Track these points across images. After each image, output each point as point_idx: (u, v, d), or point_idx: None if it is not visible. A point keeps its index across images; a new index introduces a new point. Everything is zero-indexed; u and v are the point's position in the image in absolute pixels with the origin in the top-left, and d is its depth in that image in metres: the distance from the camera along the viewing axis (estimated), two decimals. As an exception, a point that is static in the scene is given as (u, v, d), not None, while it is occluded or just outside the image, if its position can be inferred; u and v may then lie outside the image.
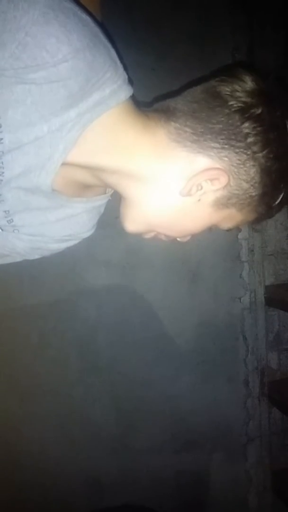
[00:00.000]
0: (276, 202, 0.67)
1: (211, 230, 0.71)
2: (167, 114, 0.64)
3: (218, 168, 0.62)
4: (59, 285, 1.60)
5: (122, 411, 1.69)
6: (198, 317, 1.75)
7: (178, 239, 0.72)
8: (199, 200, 0.64)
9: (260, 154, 0.61)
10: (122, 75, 0.60)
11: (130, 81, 0.63)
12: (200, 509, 1.84)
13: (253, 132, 0.60)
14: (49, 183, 0.63)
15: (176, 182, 0.63)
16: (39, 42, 0.52)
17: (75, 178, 0.67)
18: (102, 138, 0.61)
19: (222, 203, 0.65)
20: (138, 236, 0.73)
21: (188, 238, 0.73)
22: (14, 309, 1.57)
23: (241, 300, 1.82)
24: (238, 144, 0.61)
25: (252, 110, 0.60)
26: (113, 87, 0.59)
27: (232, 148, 0.61)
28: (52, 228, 0.73)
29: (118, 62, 0.60)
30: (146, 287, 1.69)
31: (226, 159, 0.61)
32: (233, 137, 0.61)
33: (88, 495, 1.68)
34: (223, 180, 0.62)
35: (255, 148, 0.61)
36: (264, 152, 0.61)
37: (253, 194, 0.64)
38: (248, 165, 0.62)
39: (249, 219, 0.69)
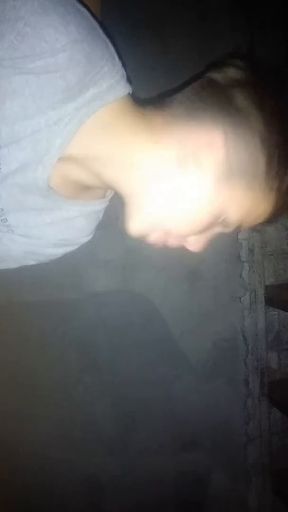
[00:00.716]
0: (285, 184, 0.62)
1: (221, 224, 0.65)
2: (164, 106, 0.64)
3: (212, 134, 0.60)
4: (59, 285, 1.60)
5: (122, 411, 1.69)
6: (198, 317, 1.75)
7: (190, 245, 0.67)
8: (199, 176, 0.61)
9: (257, 126, 0.59)
10: (120, 70, 0.60)
11: (129, 80, 0.63)
12: (200, 509, 1.84)
13: (248, 103, 0.60)
14: (46, 178, 0.62)
15: (174, 163, 0.61)
16: (37, 32, 0.53)
17: (73, 177, 0.66)
18: (100, 133, 0.61)
19: (224, 178, 0.60)
20: (143, 240, 0.68)
21: (200, 244, 0.68)
22: (14, 309, 1.57)
23: (241, 300, 1.82)
24: (234, 118, 0.60)
25: (245, 84, 0.61)
26: (110, 82, 0.59)
27: (228, 121, 0.59)
28: (48, 230, 0.71)
29: (116, 57, 0.60)
30: (146, 287, 1.69)
31: (222, 132, 0.59)
32: (228, 111, 0.60)
33: (88, 495, 1.68)
34: (219, 144, 0.59)
35: (251, 119, 0.59)
36: (261, 123, 0.59)
37: (257, 170, 0.60)
38: (246, 138, 0.59)
39: (259, 209, 0.63)
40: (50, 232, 0.72)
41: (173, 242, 0.67)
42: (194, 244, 0.68)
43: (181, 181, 0.62)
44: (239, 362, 1.83)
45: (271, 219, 0.67)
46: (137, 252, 1.65)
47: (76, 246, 0.77)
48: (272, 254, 1.85)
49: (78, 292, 1.62)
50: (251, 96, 0.60)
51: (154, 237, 0.66)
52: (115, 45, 0.61)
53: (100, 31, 0.58)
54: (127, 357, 1.68)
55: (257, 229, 1.79)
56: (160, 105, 0.64)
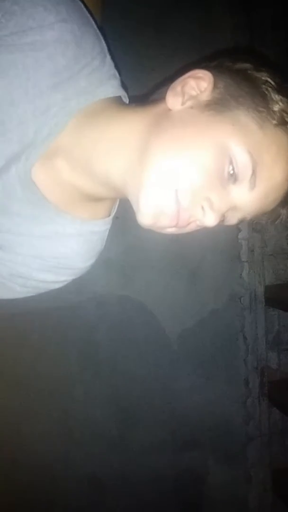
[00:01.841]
0: (278, 116, 0.57)
1: (234, 176, 0.56)
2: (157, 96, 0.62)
3: (199, 70, 0.59)
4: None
5: (122, 410, 1.69)
6: (198, 317, 1.75)
7: (210, 210, 0.56)
8: (191, 107, 0.57)
9: (243, 65, 0.60)
10: (111, 69, 0.59)
11: (124, 86, 0.62)
12: (200, 509, 1.84)
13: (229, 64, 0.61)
14: (29, 169, 0.58)
15: (161, 114, 0.59)
16: (26, 10, 0.52)
17: (63, 179, 0.61)
18: (88, 125, 0.58)
19: (218, 104, 0.57)
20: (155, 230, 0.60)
21: (223, 203, 0.57)
22: (14, 309, 1.57)
23: (241, 300, 1.82)
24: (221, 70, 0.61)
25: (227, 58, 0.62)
26: (100, 78, 0.58)
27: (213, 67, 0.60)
28: (36, 243, 0.63)
29: (108, 56, 0.59)
30: (146, 287, 1.69)
31: (207, 72, 0.59)
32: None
33: (88, 494, 1.68)
34: (207, 78, 0.58)
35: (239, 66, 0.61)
36: (245, 64, 0.60)
37: (246, 103, 0.57)
38: (231, 74, 0.60)
39: (262, 146, 0.57)
40: (38, 246, 0.64)
41: (188, 214, 0.57)
42: (217, 203, 0.56)
43: (174, 115, 0.58)
44: (239, 362, 1.83)
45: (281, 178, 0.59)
46: (137, 252, 1.65)
47: (68, 276, 0.68)
48: (272, 254, 1.85)
49: (78, 292, 1.62)
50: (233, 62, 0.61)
51: (167, 216, 0.56)
52: (112, 50, 0.60)
53: (93, 24, 0.57)
54: (127, 357, 1.68)
55: (257, 229, 1.80)
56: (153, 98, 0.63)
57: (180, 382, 1.74)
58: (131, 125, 0.59)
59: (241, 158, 0.55)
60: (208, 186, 0.56)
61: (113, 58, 0.60)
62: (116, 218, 0.70)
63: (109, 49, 0.60)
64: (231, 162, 0.56)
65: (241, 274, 1.81)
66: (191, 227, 0.60)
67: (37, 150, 0.57)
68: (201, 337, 1.76)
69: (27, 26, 0.52)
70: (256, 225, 1.79)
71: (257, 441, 1.87)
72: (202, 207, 0.56)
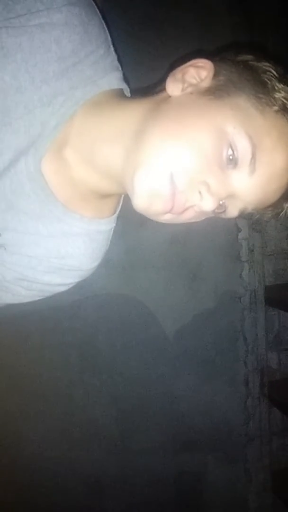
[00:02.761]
0: (279, 102, 0.57)
1: (235, 160, 0.55)
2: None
3: (200, 59, 0.59)
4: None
5: (122, 411, 1.69)
6: (198, 317, 1.75)
7: (208, 193, 0.54)
8: (191, 93, 0.57)
9: (243, 57, 0.60)
10: (114, 60, 0.60)
11: (127, 80, 0.62)
12: (200, 509, 1.84)
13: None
14: (38, 162, 0.57)
15: (158, 99, 0.59)
16: None
17: (71, 173, 0.60)
18: (93, 114, 0.58)
19: (217, 90, 0.57)
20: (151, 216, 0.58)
21: (223, 187, 0.55)
22: (14, 310, 1.57)
23: (241, 300, 1.82)
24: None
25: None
26: (105, 68, 0.58)
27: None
28: (43, 243, 0.62)
29: (112, 47, 0.59)
30: (146, 287, 1.69)
31: (206, 59, 0.59)
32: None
33: (88, 494, 1.68)
34: (208, 67, 0.58)
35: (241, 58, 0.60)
36: (247, 56, 0.60)
37: (244, 87, 0.57)
38: (230, 63, 0.60)
39: (262, 130, 0.56)
40: (45, 245, 0.62)
41: (184, 197, 0.55)
42: (215, 187, 0.55)
43: (173, 101, 0.57)
44: (239, 362, 1.83)
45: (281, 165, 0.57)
46: (137, 252, 1.65)
47: (77, 277, 0.68)
48: (272, 254, 1.85)
49: (78, 292, 1.62)
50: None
51: (162, 198, 0.55)
52: (114, 45, 0.61)
53: (98, 13, 0.57)
54: (127, 357, 1.68)
55: (257, 229, 1.80)
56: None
57: (180, 382, 1.74)
58: (131, 113, 0.58)
59: (240, 141, 0.54)
60: (205, 170, 0.54)
61: (116, 51, 0.60)
62: (116, 217, 0.70)
63: (112, 43, 0.60)
64: (230, 146, 0.54)
65: (241, 274, 1.81)
66: (189, 215, 0.58)
67: (45, 141, 0.56)
68: (201, 337, 1.76)
69: (35, 8, 0.52)
70: (256, 225, 1.79)
71: (257, 441, 1.87)
72: (200, 192, 0.54)
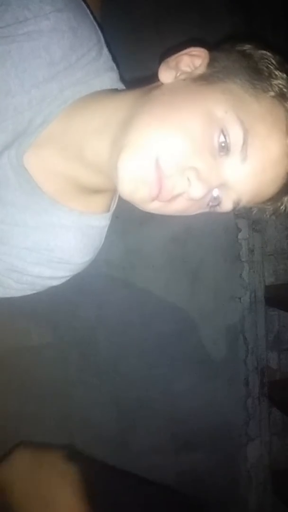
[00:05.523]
0: (275, 88, 0.56)
1: (228, 146, 0.53)
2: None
3: (195, 47, 0.58)
4: (59, 286, 1.60)
5: (122, 411, 1.69)
6: (198, 317, 1.75)
7: (197, 178, 0.52)
8: (184, 79, 0.56)
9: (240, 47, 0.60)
10: (108, 61, 0.59)
11: (123, 81, 0.62)
12: (200, 509, 1.84)
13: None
14: (21, 155, 0.57)
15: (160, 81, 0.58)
16: (21, 1, 0.52)
17: (57, 168, 0.60)
18: (82, 112, 0.58)
19: (211, 75, 0.56)
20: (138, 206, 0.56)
21: (214, 174, 0.53)
22: (14, 309, 1.57)
23: (241, 300, 1.82)
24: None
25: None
26: (97, 69, 0.58)
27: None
28: (32, 234, 0.62)
29: (105, 48, 0.59)
30: (146, 287, 1.69)
31: (200, 47, 0.59)
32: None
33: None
34: (202, 55, 0.57)
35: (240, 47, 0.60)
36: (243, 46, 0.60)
37: (242, 63, 0.56)
38: (224, 50, 0.59)
39: (255, 115, 0.54)
40: (33, 237, 0.62)
41: (171, 183, 0.53)
42: (205, 173, 0.52)
43: (165, 87, 0.56)
44: (239, 362, 1.83)
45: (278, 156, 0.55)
46: (137, 252, 1.65)
47: (68, 270, 0.66)
48: (272, 254, 1.85)
49: (78, 292, 1.62)
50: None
51: (148, 184, 0.52)
52: (111, 48, 0.60)
53: (90, 15, 0.57)
54: (127, 357, 1.68)
55: (257, 229, 1.80)
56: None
57: (180, 382, 1.74)
58: (121, 102, 0.58)
59: (231, 126, 0.52)
60: (194, 155, 0.52)
61: (110, 51, 0.60)
62: (116, 217, 0.69)
63: (107, 44, 0.60)
64: (222, 132, 0.52)
65: (241, 274, 1.81)
66: (179, 204, 0.55)
67: (29, 137, 0.57)
68: (201, 337, 1.76)
69: (23, 17, 0.52)
70: (256, 225, 1.79)
71: (257, 441, 1.87)
72: (188, 178, 0.52)
